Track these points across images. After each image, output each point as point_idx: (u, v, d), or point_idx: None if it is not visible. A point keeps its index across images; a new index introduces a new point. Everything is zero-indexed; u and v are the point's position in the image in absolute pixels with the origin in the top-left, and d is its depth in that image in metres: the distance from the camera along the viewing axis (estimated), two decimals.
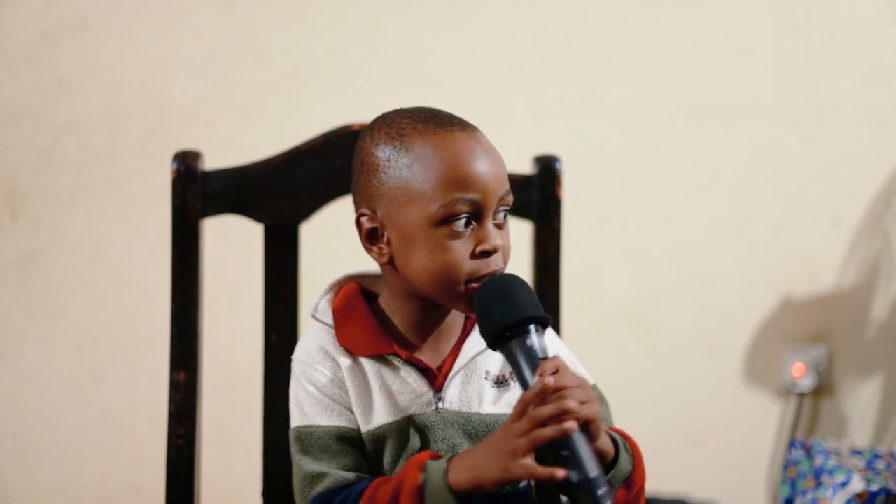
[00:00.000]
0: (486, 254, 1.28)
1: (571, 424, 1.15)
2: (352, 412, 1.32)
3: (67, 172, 2.51)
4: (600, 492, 1.14)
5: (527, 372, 1.20)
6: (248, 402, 1.84)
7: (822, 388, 2.72)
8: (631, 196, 2.66)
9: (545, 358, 1.20)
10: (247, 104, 2.54)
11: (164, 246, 1.55)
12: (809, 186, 2.70)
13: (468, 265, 1.27)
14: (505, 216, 1.32)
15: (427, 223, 1.27)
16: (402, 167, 1.28)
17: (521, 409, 1.17)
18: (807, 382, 2.69)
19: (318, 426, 1.31)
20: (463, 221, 1.27)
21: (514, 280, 1.25)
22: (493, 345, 1.23)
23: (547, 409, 1.15)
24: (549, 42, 2.63)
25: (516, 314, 1.21)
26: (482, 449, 1.20)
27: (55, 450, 2.53)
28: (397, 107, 1.35)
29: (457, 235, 1.27)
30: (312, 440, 1.31)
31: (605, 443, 1.24)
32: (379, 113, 1.36)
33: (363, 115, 1.42)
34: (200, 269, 1.56)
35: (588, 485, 1.14)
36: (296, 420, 1.33)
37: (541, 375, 1.17)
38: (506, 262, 1.31)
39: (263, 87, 2.55)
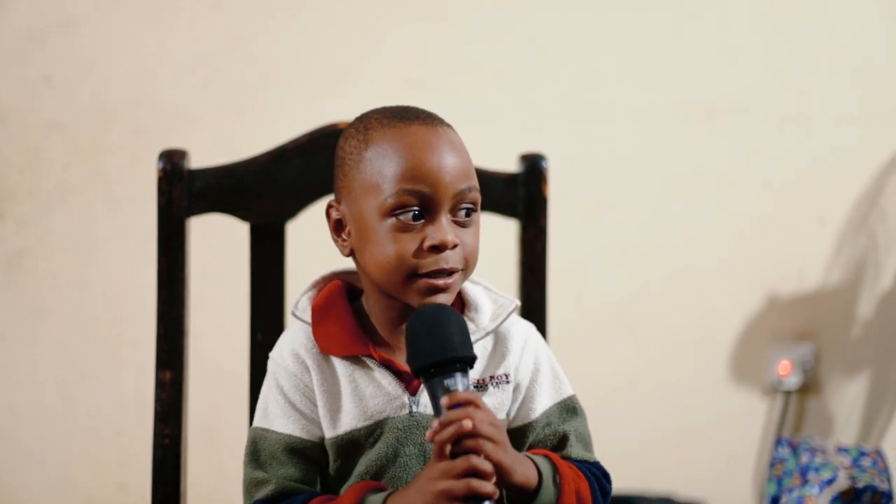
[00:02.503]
0: (436, 249, 1.25)
1: (495, 491, 1.16)
2: (313, 421, 1.31)
3: (54, 171, 2.51)
4: None
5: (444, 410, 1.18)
6: (235, 400, 1.83)
7: (809, 386, 2.72)
8: (619, 195, 2.67)
9: None
10: (235, 104, 2.54)
11: (151, 245, 1.55)
12: (796, 186, 2.71)
13: (414, 259, 1.25)
14: (469, 214, 1.28)
15: (378, 214, 1.26)
16: (363, 160, 1.28)
17: (438, 448, 1.16)
18: (793, 380, 2.70)
19: (273, 431, 1.31)
20: (412, 214, 1.25)
21: (449, 313, 1.23)
22: (416, 375, 1.21)
23: (485, 464, 1.16)
24: (539, 42, 2.63)
25: (443, 353, 1.18)
26: (415, 489, 1.19)
27: (42, 448, 2.53)
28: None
29: (406, 228, 1.25)
30: (264, 445, 1.31)
31: (522, 475, 1.22)
32: None
33: (352, 115, 1.41)
34: (187, 267, 1.57)
35: None
36: (258, 419, 1.33)
37: (448, 407, 1.16)
38: (469, 262, 1.29)
39: (251, 87, 2.55)
